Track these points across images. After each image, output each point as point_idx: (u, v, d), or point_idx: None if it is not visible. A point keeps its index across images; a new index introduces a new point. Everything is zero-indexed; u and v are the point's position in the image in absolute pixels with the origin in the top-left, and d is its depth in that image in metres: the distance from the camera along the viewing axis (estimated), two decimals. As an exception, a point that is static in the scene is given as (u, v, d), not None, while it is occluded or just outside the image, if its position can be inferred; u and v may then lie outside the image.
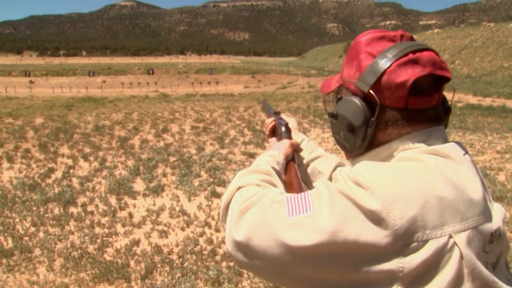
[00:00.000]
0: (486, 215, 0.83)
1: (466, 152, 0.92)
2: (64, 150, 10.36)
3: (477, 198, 0.82)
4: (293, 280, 0.83)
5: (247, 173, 1.04)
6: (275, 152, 1.16)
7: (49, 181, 7.76)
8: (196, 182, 7.64)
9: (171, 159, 9.46)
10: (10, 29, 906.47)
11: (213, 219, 5.99)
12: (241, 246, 0.86)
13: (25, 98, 24.88)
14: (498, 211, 0.89)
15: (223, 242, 5.21)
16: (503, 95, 21.65)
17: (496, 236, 0.84)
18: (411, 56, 0.88)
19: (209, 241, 5.24)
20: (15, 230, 5.53)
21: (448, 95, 1.01)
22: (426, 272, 0.76)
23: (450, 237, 0.77)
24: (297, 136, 1.39)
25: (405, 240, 0.75)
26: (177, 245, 5.15)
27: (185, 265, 4.62)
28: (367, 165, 0.85)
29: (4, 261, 4.71)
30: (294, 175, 1.14)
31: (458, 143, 0.93)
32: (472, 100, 20.39)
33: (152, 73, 43.41)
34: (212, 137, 11.94)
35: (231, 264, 4.62)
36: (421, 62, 0.88)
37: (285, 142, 1.24)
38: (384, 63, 0.88)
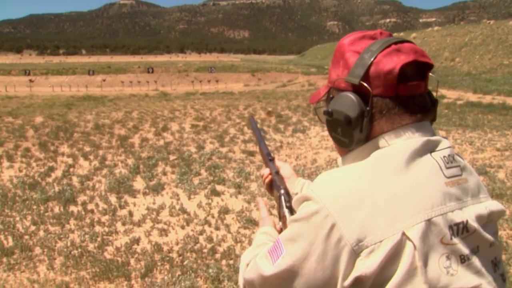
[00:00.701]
0: (445, 207, 0.85)
1: (448, 147, 0.94)
2: (64, 149, 10.37)
3: (431, 191, 0.85)
4: None
5: (250, 250, 1.14)
6: (267, 228, 1.25)
7: (49, 179, 7.77)
8: (196, 181, 7.65)
9: (171, 157, 9.46)
10: (9, 28, 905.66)
11: (213, 217, 6.00)
12: None
13: (25, 97, 24.90)
14: (481, 207, 0.91)
15: (223, 240, 5.23)
16: (503, 92, 21.64)
17: (461, 229, 0.86)
18: (394, 46, 0.93)
19: (209, 239, 5.24)
20: (16, 229, 5.54)
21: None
22: (387, 271, 0.80)
23: (403, 233, 0.80)
24: (296, 183, 1.42)
25: (360, 245, 0.80)
26: (177, 243, 5.16)
27: (185, 263, 4.63)
28: (318, 179, 0.92)
29: (4, 259, 4.72)
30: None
31: (443, 138, 0.96)
32: (472, 97, 20.39)
33: (152, 72, 43.44)
34: (212, 136, 11.95)
35: (231, 262, 4.63)
36: (404, 51, 0.93)
37: (266, 219, 1.31)
38: (370, 56, 0.93)
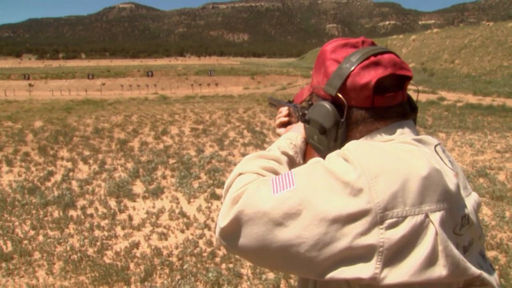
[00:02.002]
0: (458, 200, 0.88)
1: (439, 144, 0.97)
2: (64, 153, 10.36)
3: (451, 184, 0.86)
4: (279, 259, 0.86)
5: (253, 158, 1.06)
6: (293, 135, 1.17)
7: (49, 184, 7.75)
8: (195, 184, 7.64)
9: (171, 161, 9.45)
10: (9, 32, 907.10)
11: (213, 221, 5.98)
12: (228, 232, 0.89)
13: (24, 101, 24.92)
14: (472, 200, 0.94)
15: (223, 244, 5.20)
16: (503, 94, 21.67)
17: (466, 221, 0.88)
18: (372, 59, 0.94)
19: (209, 243, 5.23)
20: (15, 234, 5.52)
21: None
22: (404, 248, 0.79)
23: (427, 216, 0.80)
24: None
25: (385, 214, 0.79)
26: (176, 247, 5.15)
27: (184, 267, 4.61)
28: (357, 142, 0.91)
29: (3, 264, 4.70)
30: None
31: (430, 136, 0.99)
32: (472, 99, 20.40)
33: (152, 75, 43.45)
34: (211, 139, 11.94)
35: (231, 266, 4.61)
36: (382, 63, 0.94)
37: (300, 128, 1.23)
38: (348, 67, 0.95)
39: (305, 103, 1.11)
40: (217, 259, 4.82)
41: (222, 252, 4.98)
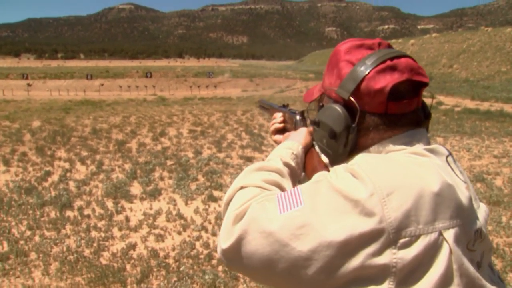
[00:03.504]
0: (471, 214, 0.85)
1: (450, 154, 0.93)
2: (61, 153, 10.35)
3: (463, 198, 0.83)
4: (285, 279, 0.82)
5: (254, 170, 1.01)
6: (293, 144, 1.11)
7: (46, 184, 7.74)
8: (193, 186, 7.63)
9: (168, 162, 9.45)
10: (8, 31, 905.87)
11: (210, 223, 5.98)
12: (232, 252, 0.85)
13: (22, 101, 24.88)
14: (482, 211, 0.91)
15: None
16: (500, 99, 21.71)
17: (478, 235, 0.85)
18: (389, 63, 0.90)
19: (206, 245, 5.22)
20: (11, 234, 5.51)
21: (430, 100, 1.01)
22: (418, 268, 0.76)
23: (440, 233, 0.78)
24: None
25: (398, 234, 0.75)
26: (173, 249, 5.14)
27: (181, 269, 4.61)
28: (366, 156, 0.86)
29: (-1, 265, 4.69)
30: (318, 159, 1.07)
31: (441, 145, 0.95)
32: (470, 104, 20.44)
33: (150, 77, 43.41)
34: (209, 141, 11.94)
35: (227, 268, 4.60)
36: (398, 68, 0.90)
37: (303, 130, 1.18)
38: (363, 70, 0.90)
39: (314, 104, 1.08)
40: (214, 261, 4.81)
41: (218, 254, 4.97)
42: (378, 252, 0.75)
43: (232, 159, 9.84)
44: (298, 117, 1.28)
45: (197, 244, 5.28)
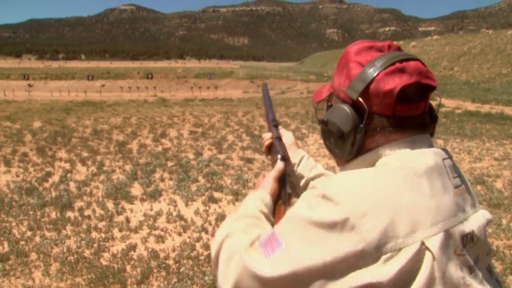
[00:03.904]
0: (457, 219, 0.86)
1: (449, 157, 0.94)
2: (62, 154, 10.36)
3: (447, 202, 0.85)
4: None
5: (234, 220, 1.05)
6: (262, 194, 1.14)
7: (46, 185, 7.75)
8: (193, 187, 7.64)
9: (169, 164, 9.45)
10: (9, 32, 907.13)
11: (210, 224, 5.98)
12: None
13: (23, 101, 24.90)
14: (479, 216, 0.92)
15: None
16: (501, 102, 21.72)
17: (469, 240, 0.86)
18: (398, 65, 0.91)
19: (206, 246, 5.23)
20: (11, 234, 5.52)
21: (433, 102, 1.02)
22: (403, 280, 0.78)
23: (422, 243, 0.79)
24: (296, 153, 1.38)
25: (379, 251, 0.77)
26: (173, 250, 5.14)
27: (181, 270, 4.61)
28: (338, 178, 0.87)
29: (-1, 265, 4.70)
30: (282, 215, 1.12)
31: (443, 149, 0.96)
32: (471, 106, 20.45)
33: (151, 78, 43.45)
34: (210, 142, 11.95)
35: (228, 269, 4.60)
36: (407, 71, 0.91)
37: (270, 177, 1.20)
38: (372, 72, 0.92)
39: (322, 103, 1.10)
40: (214, 263, 4.81)
41: (219, 255, 4.97)
42: (363, 273, 0.77)
43: (233, 161, 9.85)
44: (279, 156, 1.31)
45: (197, 245, 5.29)
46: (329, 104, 1.06)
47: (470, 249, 0.87)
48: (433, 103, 1.01)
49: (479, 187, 7.59)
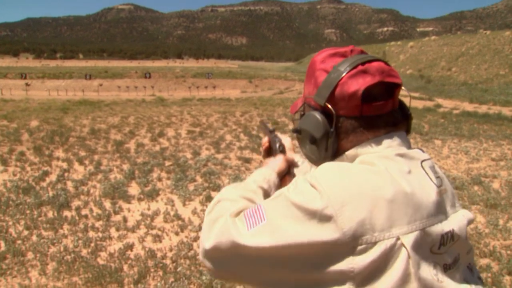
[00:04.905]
0: (436, 218, 0.88)
1: (429, 159, 0.97)
2: (59, 153, 10.33)
3: (427, 201, 0.87)
4: (256, 283, 0.91)
5: (231, 187, 1.11)
6: (267, 171, 1.19)
7: (44, 184, 7.73)
8: (191, 187, 7.63)
9: (167, 163, 9.44)
10: (6, 31, 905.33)
11: (208, 224, 5.96)
12: (209, 254, 0.94)
13: (20, 100, 24.84)
14: (460, 215, 0.94)
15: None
16: (499, 102, 21.80)
17: (448, 239, 0.89)
18: (360, 67, 0.95)
19: (203, 246, 5.21)
20: (8, 234, 5.50)
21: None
22: (375, 272, 0.81)
23: (398, 238, 0.82)
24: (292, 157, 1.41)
25: (354, 242, 0.80)
26: (171, 250, 5.14)
27: (178, 269, 4.61)
28: (326, 167, 0.91)
29: (-4, 264, 4.68)
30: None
31: (420, 149, 0.99)
32: (468, 107, 20.52)
33: (149, 77, 43.40)
34: (208, 142, 11.94)
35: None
36: (370, 72, 0.94)
37: (280, 158, 1.27)
38: (336, 77, 0.95)
39: (298, 113, 1.13)
40: (211, 262, 4.81)
41: (216, 255, 4.96)
42: (337, 259, 0.81)
43: (231, 160, 9.84)
44: (277, 145, 1.36)
45: (195, 245, 5.28)
46: (302, 113, 1.09)
47: (451, 247, 0.89)
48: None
49: (476, 188, 7.61)
